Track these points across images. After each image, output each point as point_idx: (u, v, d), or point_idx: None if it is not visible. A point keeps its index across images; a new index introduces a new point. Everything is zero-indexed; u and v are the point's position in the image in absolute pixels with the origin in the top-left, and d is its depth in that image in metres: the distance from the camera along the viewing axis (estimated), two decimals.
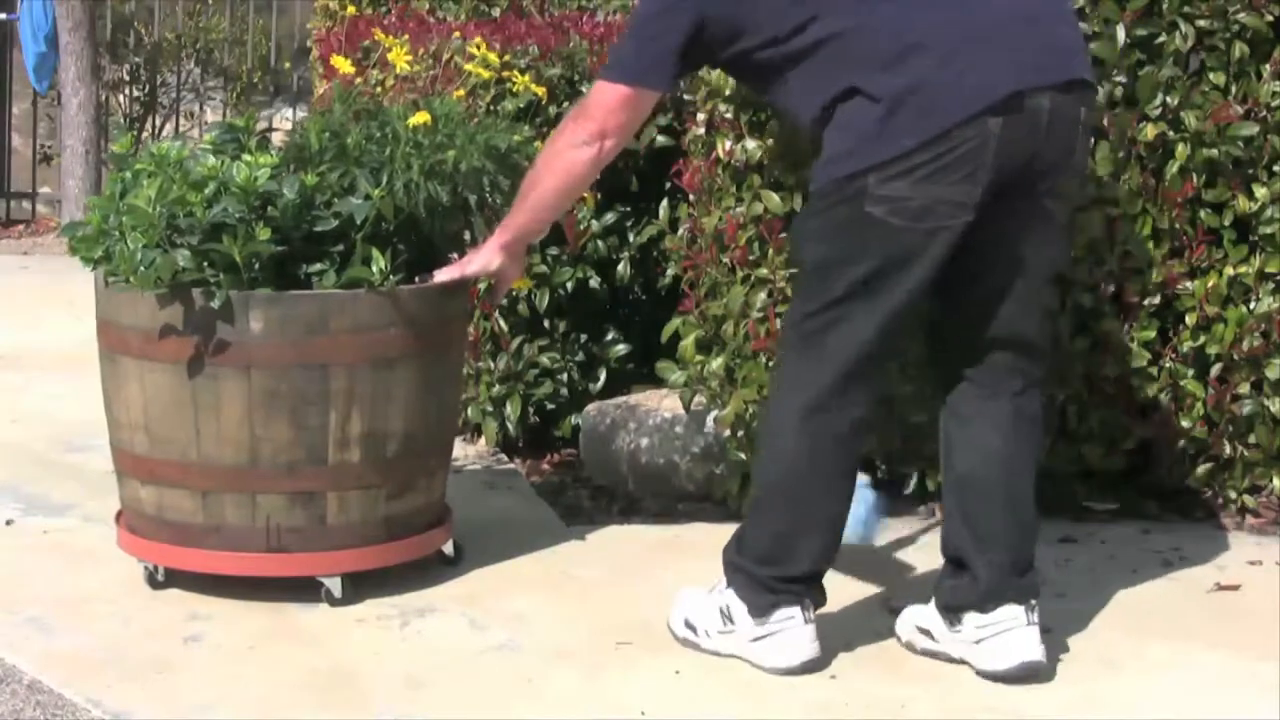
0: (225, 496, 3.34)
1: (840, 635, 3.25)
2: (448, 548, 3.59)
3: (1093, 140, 3.74)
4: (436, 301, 3.42)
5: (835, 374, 3.02)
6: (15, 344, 5.83)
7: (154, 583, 3.46)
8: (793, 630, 3.09)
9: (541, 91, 4.07)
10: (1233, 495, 3.98)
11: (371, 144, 3.37)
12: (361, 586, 3.42)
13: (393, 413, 3.36)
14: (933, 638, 3.16)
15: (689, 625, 3.20)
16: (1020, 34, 2.93)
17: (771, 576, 3.09)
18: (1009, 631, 3.06)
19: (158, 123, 9.92)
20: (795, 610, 3.09)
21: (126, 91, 9.85)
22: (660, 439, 4.18)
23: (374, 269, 3.26)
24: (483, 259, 3.40)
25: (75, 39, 8.76)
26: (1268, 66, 3.83)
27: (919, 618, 3.20)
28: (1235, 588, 3.57)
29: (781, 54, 2.99)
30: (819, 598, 3.15)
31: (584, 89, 4.39)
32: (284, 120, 9.98)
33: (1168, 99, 3.81)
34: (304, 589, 3.39)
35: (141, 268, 3.22)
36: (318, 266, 3.30)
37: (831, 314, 3.00)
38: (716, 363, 3.94)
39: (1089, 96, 3.07)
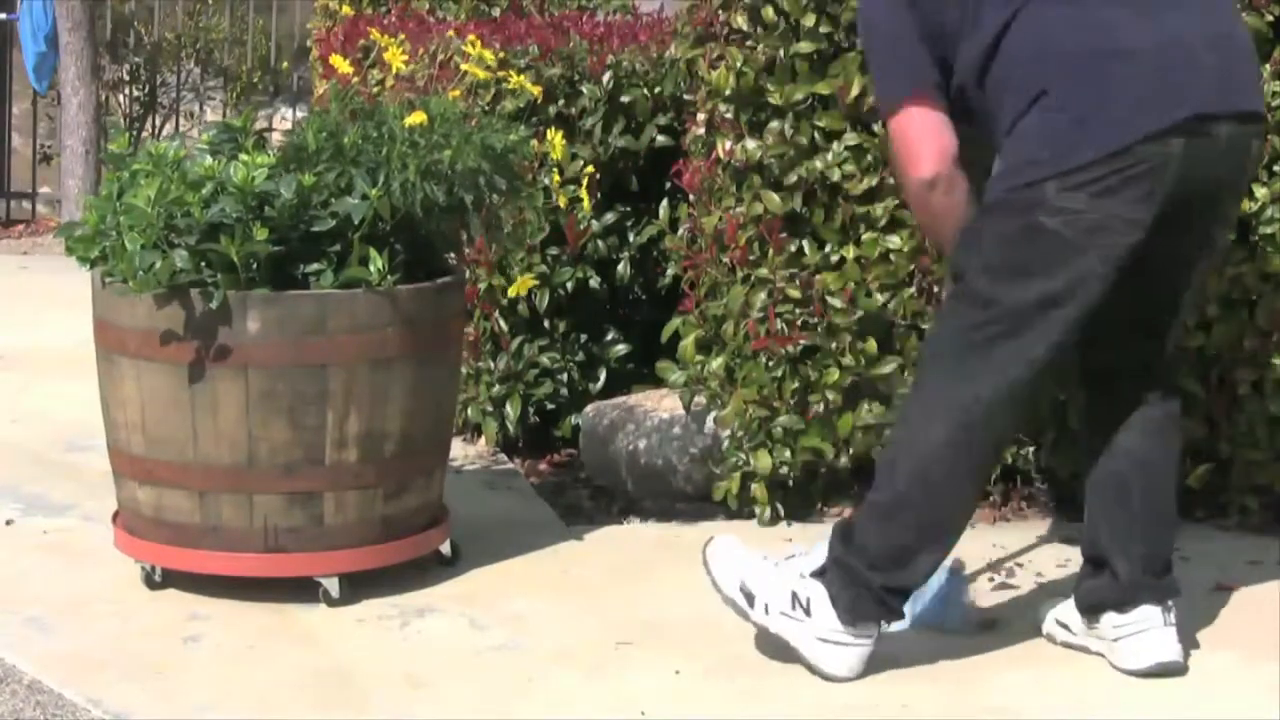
0: (222, 497, 3.34)
1: None
2: (445, 548, 3.59)
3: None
4: (434, 301, 3.42)
5: (996, 390, 2.96)
6: (15, 344, 5.83)
7: (151, 583, 3.46)
8: (867, 646, 3.06)
9: (537, 91, 4.06)
10: (1233, 495, 3.98)
11: (368, 144, 3.37)
12: (361, 586, 3.42)
13: (390, 413, 3.36)
14: (1071, 632, 3.20)
15: (745, 592, 3.10)
16: (1208, 59, 2.92)
17: (883, 586, 3.02)
18: (1145, 632, 3.09)
19: (158, 123, 9.91)
20: (876, 630, 3.06)
21: (126, 91, 9.84)
22: (660, 439, 4.18)
23: (372, 269, 3.26)
24: None
25: (75, 39, 8.75)
26: (1268, 66, 3.82)
27: (1060, 612, 3.24)
28: (1235, 588, 3.57)
29: (980, 54, 2.94)
30: (901, 611, 3.10)
31: (584, 89, 4.39)
32: (283, 120, 9.98)
33: None
34: (304, 589, 3.39)
35: (140, 269, 3.22)
36: (315, 266, 3.30)
37: (999, 327, 2.94)
38: (716, 363, 3.94)
39: (1261, 129, 3.07)
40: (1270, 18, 3.83)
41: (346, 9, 6.17)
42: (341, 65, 3.74)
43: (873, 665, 3.11)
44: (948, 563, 3.24)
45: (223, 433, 3.30)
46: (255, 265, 3.24)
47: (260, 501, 3.33)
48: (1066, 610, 3.24)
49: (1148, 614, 3.10)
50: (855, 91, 3.73)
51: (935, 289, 3.87)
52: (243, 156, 3.31)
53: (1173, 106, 2.87)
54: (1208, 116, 2.89)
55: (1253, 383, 3.91)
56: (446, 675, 3.07)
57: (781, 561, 3.14)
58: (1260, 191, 3.84)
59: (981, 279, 2.97)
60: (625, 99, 4.39)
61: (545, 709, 2.95)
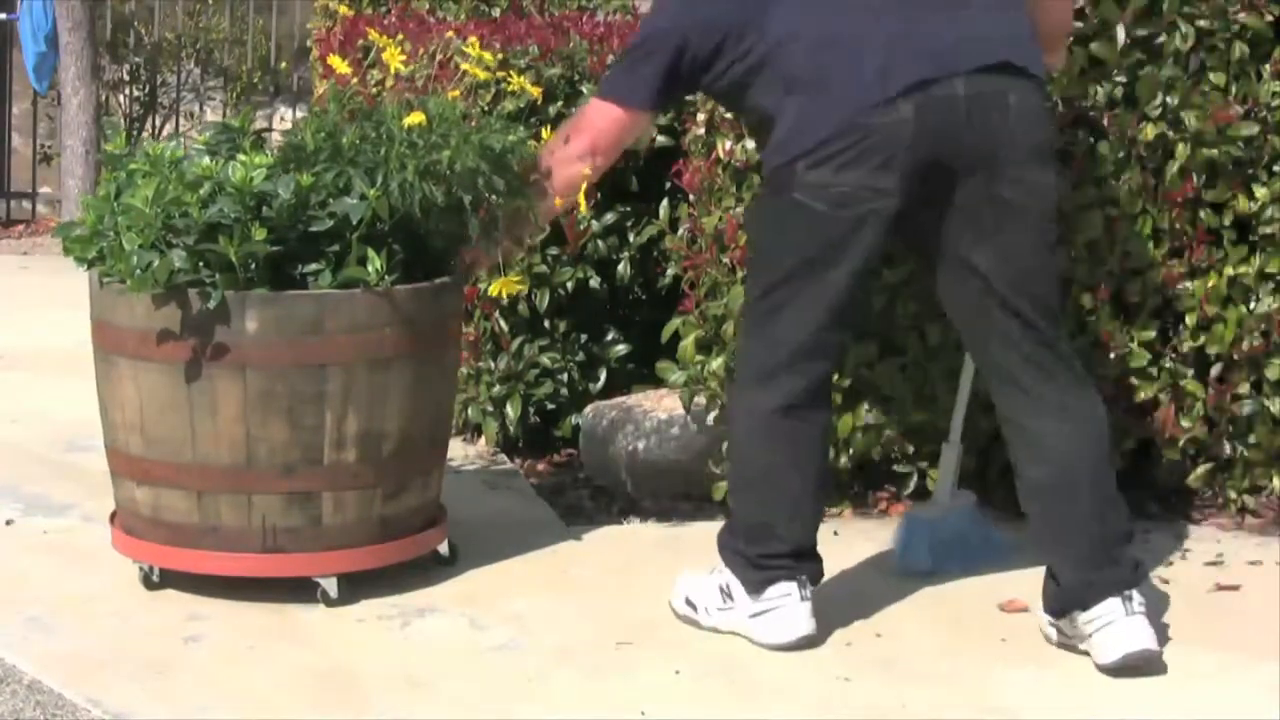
0: (221, 497, 3.34)
1: (841, 635, 3.25)
2: (443, 548, 3.59)
3: (1083, 136, 3.76)
4: (432, 301, 3.42)
5: (788, 354, 3.15)
6: (15, 344, 5.83)
7: (149, 583, 3.46)
8: (788, 607, 3.18)
9: (536, 92, 4.05)
10: (1233, 495, 3.98)
11: (367, 144, 3.36)
12: (361, 586, 3.42)
13: (389, 413, 3.36)
14: (1063, 632, 3.22)
15: (689, 603, 3.31)
16: (935, 25, 3.03)
17: (759, 555, 3.20)
18: (1109, 625, 3.10)
19: (158, 123, 9.91)
20: (791, 587, 3.19)
21: (126, 91, 9.84)
22: (660, 439, 4.18)
23: (370, 269, 3.26)
24: (503, 255, 3.58)
25: (75, 39, 8.75)
26: (1268, 66, 3.82)
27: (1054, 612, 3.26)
28: (1235, 588, 3.57)
29: (744, 70, 3.13)
30: (815, 572, 3.25)
31: (584, 89, 4.39)
32: (283, 120, 9.98)
33: (1168, 99, 3.81)
34: (303, 589, 3.39)
35: (138, 269, 3.22)
36: (314, 266, 3.30)
37: (777, 296, 3.14)
38: (716, 363, 3.94)
39: (1022, 83, 3.06)
40: (1270, 18, 3.83)
41: (344, 9, 6.17)
42: (340, 66, 3.74)
43: (872, 665, 3.11)
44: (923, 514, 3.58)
45: (221, 433, 3.30)
46: (254, 265, 3.24)
47: (259, 501, 3.33)
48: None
49: (1109, 606, 3.10)
50: None
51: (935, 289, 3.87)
52: (240, 156, 3.31)
53: (892, 75, 2.99)
54: (933, 79, 2.99)
55: (1253, 383, 3.91)
56: (446, 675, 3.07)
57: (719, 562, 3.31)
58: (1260, 191, 3.84)
59: (760, 253, 3.22)
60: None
61: (545, 709, 2.95)
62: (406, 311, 3.34)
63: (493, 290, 3.69)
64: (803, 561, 3.23)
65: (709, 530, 3.84)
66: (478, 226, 3.43)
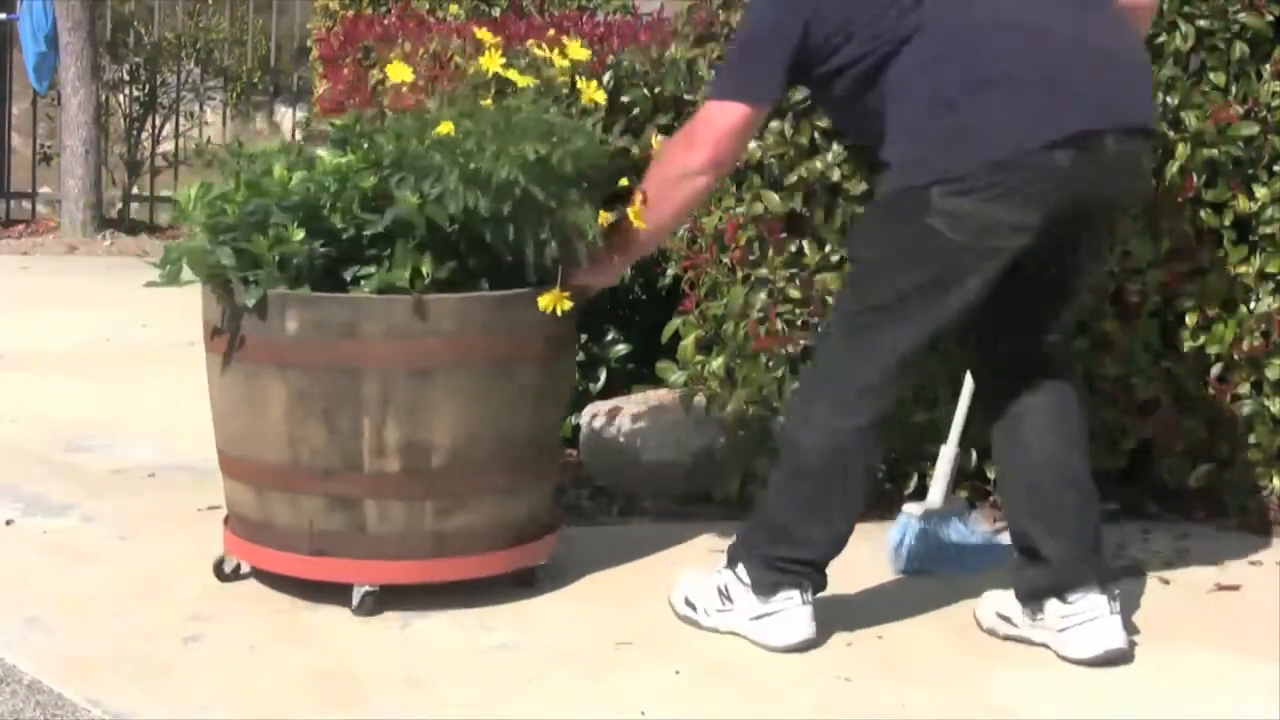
0: (274, 494, 3.34)
1: (841, 636, 3.25)
2: (541, 566, 3.47)
3: None
4: (486, 313, 3.27)
5: (881, 374, 3.10)
6: (15, 344, 5.83)
7: (220, 574, 3.49)
8: (791, 611, 3.17)
9: (601, 98, 3.65)
10: (1233, 495, 3.98)
11: (422, 148, 3.26)
12: (281, 585, 3.41)
13: (436, 424, 3.25)
14: (1013, 624, 3.23)
15: (689, 603, 3.30)
16: (1100, 75, 3.00)
17: (780, 557, 3.18)
18: (1093, 621, 3.13)
19: (158, 123, 9.92)
20: (795, 592, 3.18)
21: (126, 91, 9.85)
22: (659, 439, 4.18)
23: (406, 274, 3.18)
24: (608, 277, 3.44)
25: (75, 39, 8.76)
26: (1268, 66, 3.82)
27: (1000, 604, 3.27)
28: (1235, 588, 3.57)
29: (862, 71, 3.05)
30: (820, 582, 3.23)
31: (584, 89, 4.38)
32: (282, 120, 10.00)
33: (1168, 99, 3.81)
34: (303, 590, 3.39)
35: (195, 263, 3.27)
36: (367, 270, 3.24)
37: (881, 315, 3.07)
38: (716, 363, 3.94)
39: (1148, 144, 3.19)
40: (1270, 18, 3.83)
41: (335, 4, 6.16)
42: (403, 73, 3.67)
43: (873, 665, 3.11)
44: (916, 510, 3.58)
45: (269, 431, 3.29)
46: (296, 264, 3.21)
47: (304, 503, 3.30)
48: (1007, 602, 3.26)
49: (1094, 602, 3.13)
50: None
51: None
52: (321, 154, 3.30)
53: (1060, 121, 2.96)
54: (1093, 132, 2.98)
55: (1253, 383, 3.91)
56: (446, 675, 3.07)
57: (719, 563, 3.29)
58: (1260, 191, 3.84)
59: (870, 268, 3.13)
60: (625, 99, 4.39)
61: (545, 709, 2.95)
62: (453, 321, 3.22)
63: (543, 304, 3.30)
64: (817, 574, 3.21)
65: (708, 530, 3.85)
66: (530, 237, 3.24)
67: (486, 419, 3.29)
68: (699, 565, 3.39)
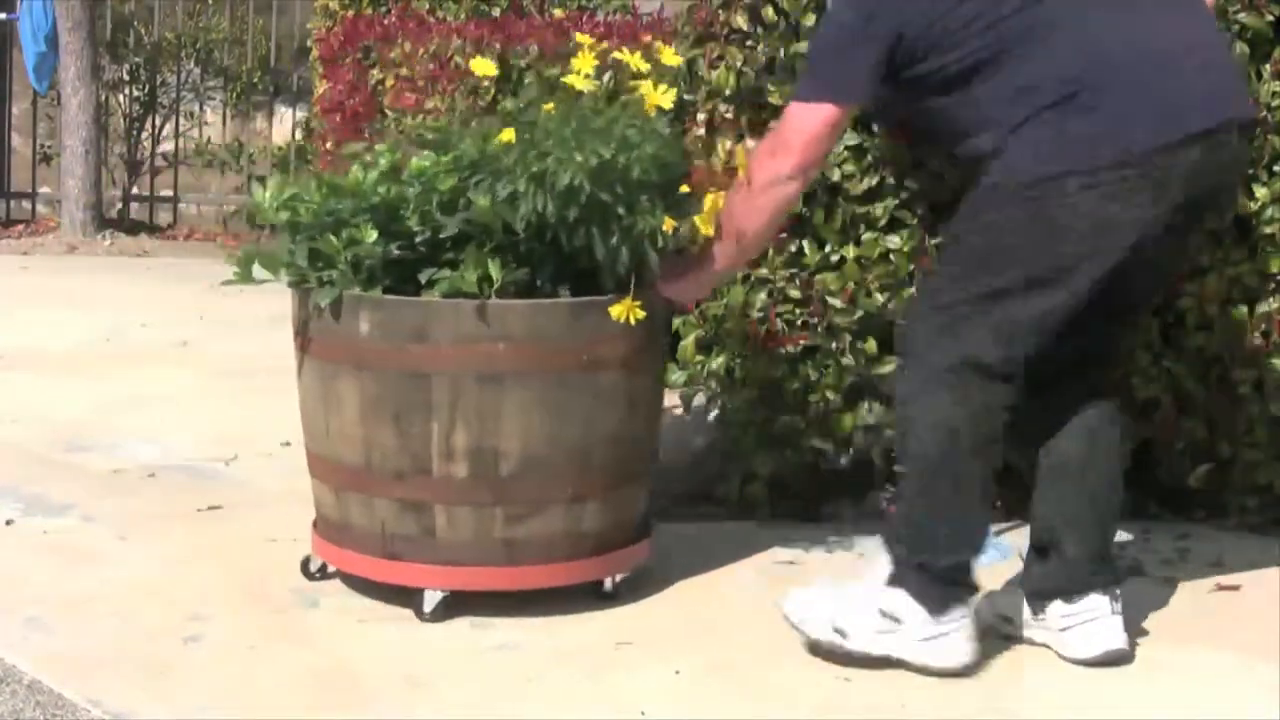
0: (350, 495, 3.34)
1: None
2: (608, 583, 3.40)
3: None
4: (556, 320, 3.22)
5: (998, 350, 3.00)
6: (15, 344, 5.83)
7: (307, 573, 3.49)
8: (964, 629, 3.08)
9: (667, 103, 3.40)
10: (1233, 495, 3.98)
11: (504, 150, 3.22)
12: (360, 587, 3.42)
13: (505, 431, 3.21)
14: (1013, 624, 3.23)
15: (838, 630, 3.10)
16: (1208, 70, 3.02)
17: (949, 567, 3.07)
18: (1094, 621, 3.13)
19: (158, 123, 9.92)
20: (964, 609, 3.09)
21: (126, 91, 9.85)
22: (660, 439, 4.17)
23: (473, 278, 3.14)
24: (695, 293, 3.36)
25: (75, 39, 8.76)
26: (1268, 66, 3.82)
27: (998, 605, 3.27)
28: (1235, 588, 3.57)
29: (965, 68, 3.00)
30: (976, 587, 3.14)
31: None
32: (282, 121, 10.00)
33: None
34: (304, 590, 3.39)
35: (282, 262, 3.30)
36: (442, 274, 3.20)
37: (986, 305, 2.99)
38: (716, 363, 3.94)
39: (1250, 137, 3.20)
40: (1270, 18, 3.83)
41: (336, 4, 6.16)
42: (487, 68, 3.65)
43: (872, 665, 3.11)
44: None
45: (345, 432, 3.29)
46: (372, 266, 3.21)
47: (378, 505, 3.29)
48: (1006, 602, 3.26)
49: (1096, 602, 3.14)
50: None
51: None
52: (426, 154, 3.29)
53: (1193, 118, 2.95)
54: (1223, 124, 2.98)
55: (1253, 383, 3.90)
56: (446, 675, 3.07)
57: (848, 584, 3.15)
58: (1260, 191, 3.83)
59: (990, 256, 3.02)
60: (625, 99, 4.37)
61: (545, 709, 2.95)
62: (522, 327, 3.18)
63: (615, 314, 3.20)
64: (972, 578, 3.12)
65: (707, 531, 3.85)
66: (602, 245, 3.17)
67: (558, 427, 3.24)
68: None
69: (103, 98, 9.26)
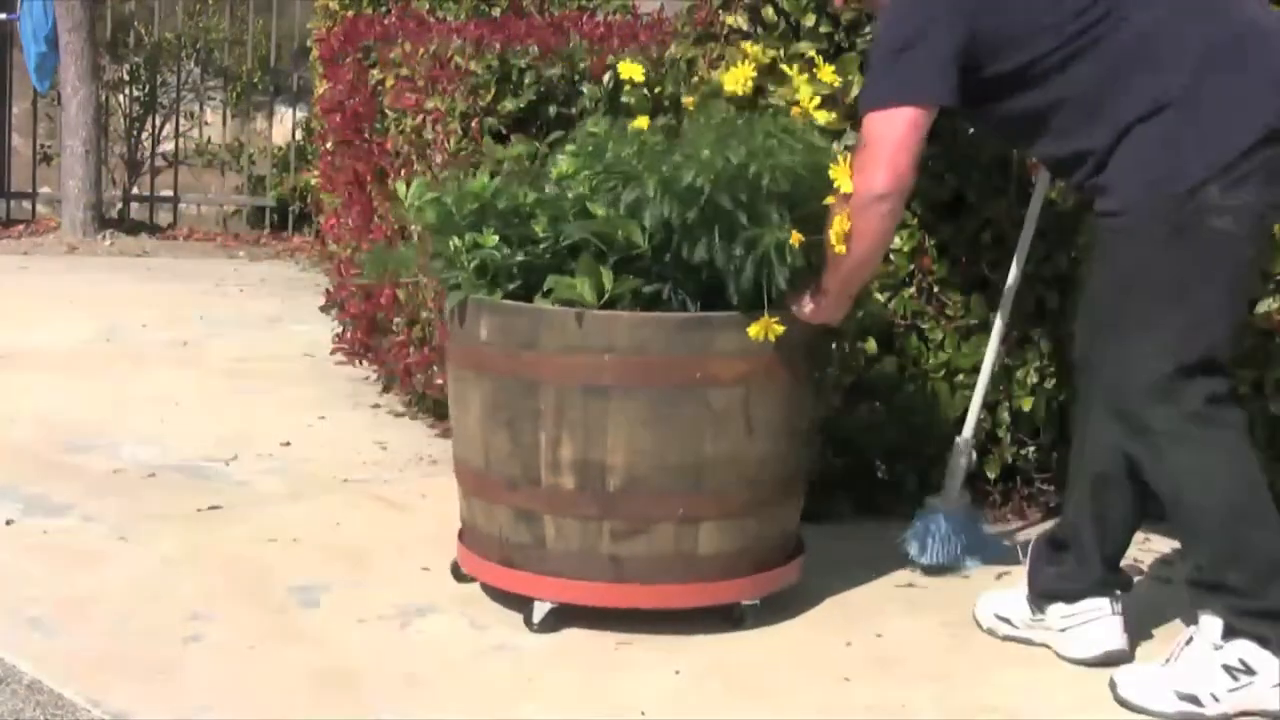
0: (474, 500, 3.36)
1: (841, 635, 3.25)
2: (740, 605, 3.28)
3: None
4: (666, 335, 3.12)
5: (1227, 372, 2.92)
6: (15, 344, 5.83)
7: (456, 575, 3.49)
8: None
9: (822, 118, 3.34)
10: None
11: (635, 155, 3.17)
12: (360, 588, 3.41)
13: (611, 445, 3.14)
14: (1013, 625, 3.23)
15: (1188, 697, 2.94)
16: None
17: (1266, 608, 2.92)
18: (1095, 621, 3.14)
19: (158, 123, 9.92)
20: None
21: (126, 91, 9.85)
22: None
23: (583, 288, 3.10)
24: (824, 315, 3.15)
25: (75, 39, 8.75)
26: None
27: (999, 606, 3.27)
28: None
29: (1053, 64, 2.89)
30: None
31: (584, 89, 4.37)
32: (281, 121, 10.00)
33: None
34: (304, 591, 3.39)
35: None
36: (563, 280, 3.15)
37: (1203, 332, 2.86)
38: None
39: None
40: None
41: (336, 4, 6.15)
42: (634, 72, 3.64)
43: (873, 665, 3.11)
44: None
45: (470, 435, 3.31)
46: (496, 271, 3.20)
47: (496, 511, 3.30)
48: (1006, 603, 3.27)
49: (1096, 603, 3.15)
50: (855, 91, 3.73)
51: (935, 289, 3.87)
52: (562, 157, 3.30)
53: None
54: None
55: (1253, 383, 3.90)
56: (446, 675, 3.07)
57: (1178, 652, 3.01)
58: None
59: (1173, 296, 2.85)
60: (625, 99, 4.38)
61: (545, 709, 2.95)
62: (628, 339, 3.11)
63: (752, 333, 3.08)
64: None
65: None
66: (724, 254, 3.07)
67: (670, 443, 3.15)
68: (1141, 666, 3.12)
69: (103, 98, 9.25)
